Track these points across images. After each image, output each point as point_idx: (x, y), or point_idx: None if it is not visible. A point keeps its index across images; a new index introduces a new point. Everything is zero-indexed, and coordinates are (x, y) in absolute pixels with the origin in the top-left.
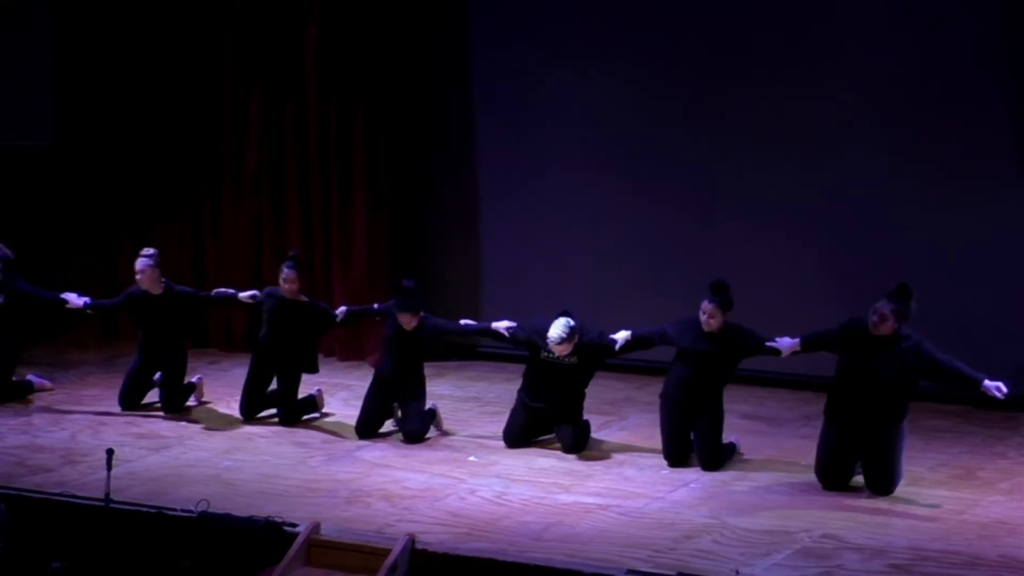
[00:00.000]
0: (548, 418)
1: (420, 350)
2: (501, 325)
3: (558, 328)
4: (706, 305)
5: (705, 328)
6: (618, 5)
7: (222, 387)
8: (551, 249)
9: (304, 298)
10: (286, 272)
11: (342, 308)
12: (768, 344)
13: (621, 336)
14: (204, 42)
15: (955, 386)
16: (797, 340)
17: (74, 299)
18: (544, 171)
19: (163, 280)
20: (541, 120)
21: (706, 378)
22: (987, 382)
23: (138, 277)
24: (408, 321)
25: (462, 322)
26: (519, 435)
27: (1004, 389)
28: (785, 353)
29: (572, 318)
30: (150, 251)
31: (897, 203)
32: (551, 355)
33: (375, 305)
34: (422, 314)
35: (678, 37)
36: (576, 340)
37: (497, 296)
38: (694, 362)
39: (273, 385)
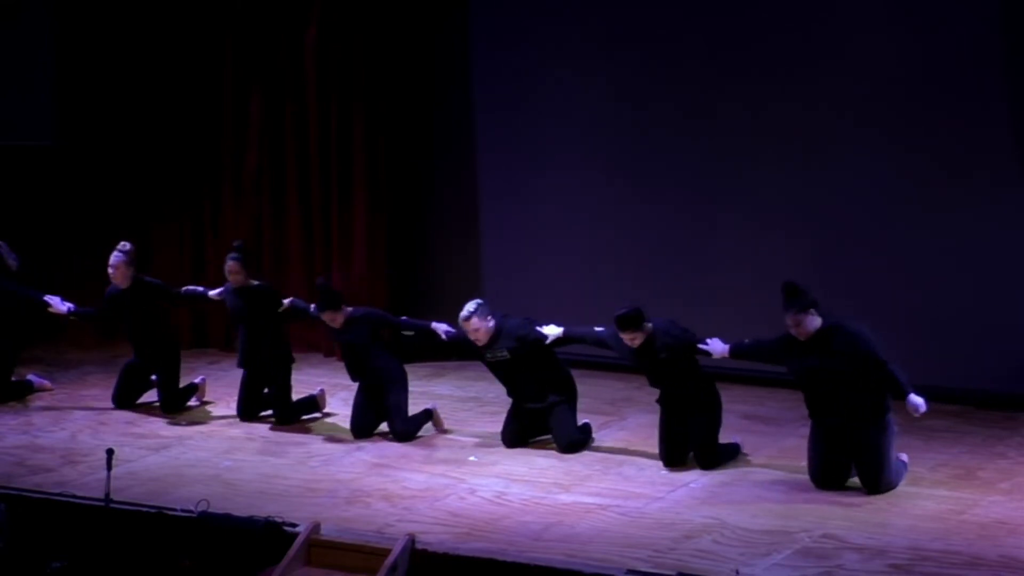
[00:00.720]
0: (539, 416)
1: (369, 346)
2: (440, 327)
3: (468, 305)
4: (623, 335)
5: (632, 346)
6: (618, 5)
7: (222, 387)
8: (551, 249)
9: (254, 282)
10: (228, 264)
11: (288, 299)
12: (700, 345)
13: (551, 332)
14: (204, 42)
15: (884, 387)
16: (727, 347)
17: (57, 303)
18: (544, 171)
19: (133, 275)
20: (541, 120)
21: (669, 382)
22: (912, 397)
23: (110, 271)
24: (331, 318)
25: (403, 318)
26: (515, 437)
27: (923, 409)
28: (716, 356)
29: (482, 302)
30: (126, 246)
31: (897, 203)
32: (486, 354)
33: (312, 307)
34: (348, 309)
35: (678, 37)
36: (489, 322)
37: (497, 296)
38: (646, 374)
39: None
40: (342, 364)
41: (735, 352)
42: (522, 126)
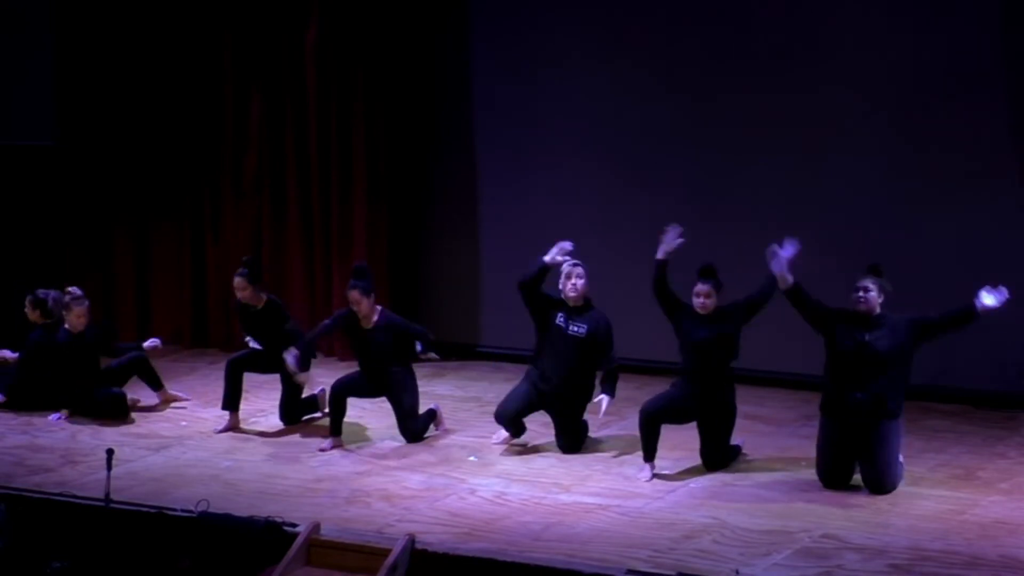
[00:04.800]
0: (550, 400)
1: (391, 353)
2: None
3: (574, 261)
4: (700, 287)
5: (701, 311)
6: (618, 4)
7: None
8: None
9: (264, 298)
10: (235, 280)
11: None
12: (774, 247)
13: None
14: (204, 42)
15: (958, 325)
16: (789, 278)
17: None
18: (544, 170)
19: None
20: (541, 119)
21: (707, 363)
22: (982, 294)
23: (79, 318)
24: (358, 301)
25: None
26: (513, 411)
27: (1003, 294)
28: (777, 271)
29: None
30: (77, 292)
31: (898, 202)
32: (560, 317)
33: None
34: (379, 309)
35: (679, 35)
36: (586, 284)
37: (497, 295)
38: (694, 348)
39: (311, 391)
40: (342, 364)
41: (795, 293)
42: (522, 125)
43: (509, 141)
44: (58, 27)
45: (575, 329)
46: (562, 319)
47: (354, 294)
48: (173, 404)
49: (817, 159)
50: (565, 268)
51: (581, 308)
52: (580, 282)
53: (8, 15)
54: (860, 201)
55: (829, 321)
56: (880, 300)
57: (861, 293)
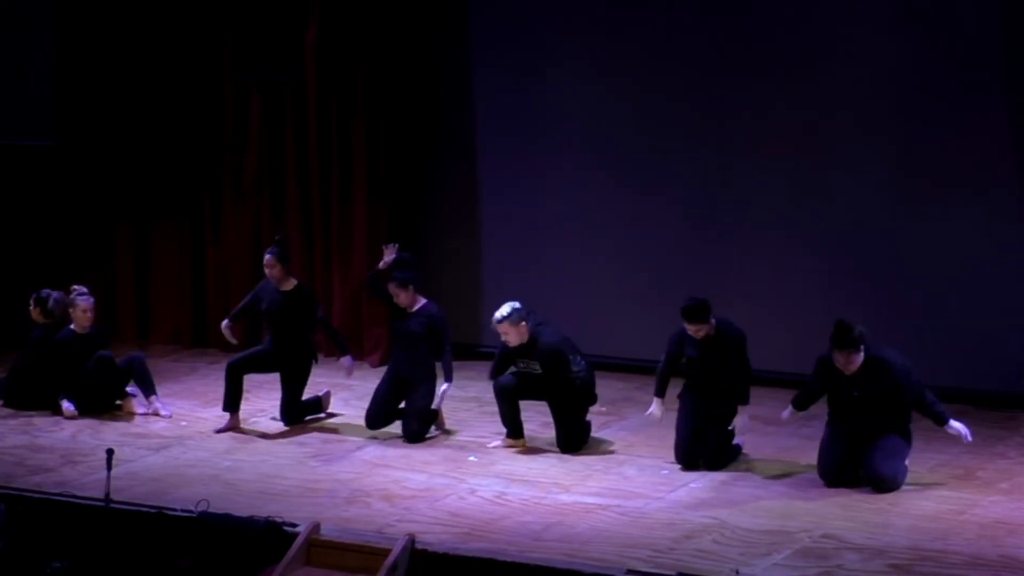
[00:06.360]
0: (542, 384)
1: (423, 344)
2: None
3: (503, 308)
4: (688, 327)
5: (696, 337)
6: (619, 5)
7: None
8: (551, 247)
9: (293, 282)
10: (265, 257)
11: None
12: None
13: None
14: (204, 42)
15: (924, 415)
16: (789, 409)
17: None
18: (545, 170)
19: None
20: (541, 119)
21: (713, 380)
22: (952, 423)
23: (84, 314)
24: (396, 293)
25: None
26: (507, 371)
27: (966, 433)
28: (785, 419)
29: (518, 307)
30: (83, 289)
31: (899, 204)
32: (519, 361)
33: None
34: (422, 301)
35: (680, 37)
36: (523, 326)
37: (498, 295)
38: (696, 368)
39: (310, 391)
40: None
41: (799, 406)
42: (522, 125)
43: (509, 141)
44: (58, 27)
45: (533, 368)
46: (522, 364)
47: (391, 287)
48: (160, 413)
49: (817, 162)
50: (495, 325)
51: (528, 347)
52: (507, 336)
53: (8, 15)
54: (860, 204)
55: (821, 387)
56: (860, 355)
57: (841, 365)
